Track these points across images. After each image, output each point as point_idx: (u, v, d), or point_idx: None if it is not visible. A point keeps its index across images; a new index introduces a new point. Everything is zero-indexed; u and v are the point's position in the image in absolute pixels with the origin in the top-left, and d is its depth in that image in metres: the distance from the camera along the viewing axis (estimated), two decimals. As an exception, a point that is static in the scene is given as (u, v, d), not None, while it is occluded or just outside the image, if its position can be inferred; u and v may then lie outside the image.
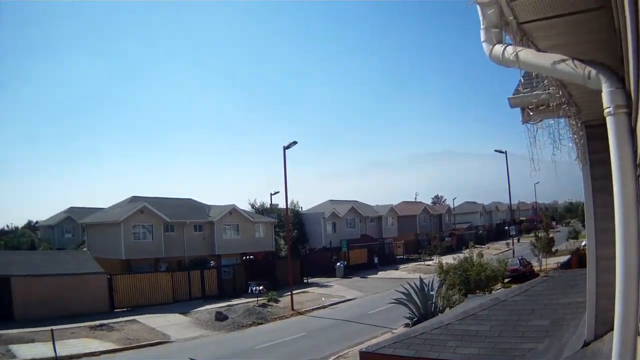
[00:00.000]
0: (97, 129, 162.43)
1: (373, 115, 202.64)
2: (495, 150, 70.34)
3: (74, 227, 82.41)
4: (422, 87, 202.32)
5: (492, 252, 69.47)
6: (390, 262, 76.04)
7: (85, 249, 60.83)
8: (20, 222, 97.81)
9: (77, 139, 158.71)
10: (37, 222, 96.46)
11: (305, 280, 59.95)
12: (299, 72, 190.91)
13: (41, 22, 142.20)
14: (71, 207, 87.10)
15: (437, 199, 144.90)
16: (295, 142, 47.71)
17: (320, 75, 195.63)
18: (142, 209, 54.76)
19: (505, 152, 69.00)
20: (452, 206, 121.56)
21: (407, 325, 30.42)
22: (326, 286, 57.23)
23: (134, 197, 60.61)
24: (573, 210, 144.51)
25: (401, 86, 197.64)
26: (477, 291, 34.91)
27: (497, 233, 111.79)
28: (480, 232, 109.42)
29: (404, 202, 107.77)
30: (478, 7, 4.29)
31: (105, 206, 68.22)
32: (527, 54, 4.24)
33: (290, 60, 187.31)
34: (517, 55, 4.23)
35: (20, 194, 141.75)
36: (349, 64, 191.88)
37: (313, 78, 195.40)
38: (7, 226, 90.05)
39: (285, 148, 47.53)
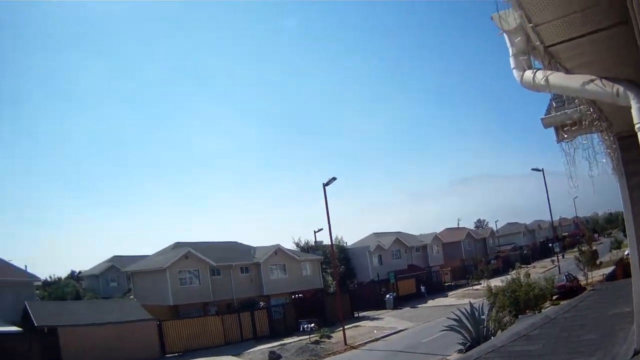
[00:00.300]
0: (134, 176, 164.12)
1: (408, 143, 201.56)
2: (532, 169, 69.81)
3: (118, 275, 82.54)
4: (455, 115, 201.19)
5: (539, 271, 68.35)
6: (439, 289, 75.14)
7: (131, 297, 61.40)
8: (63, 273, 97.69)
9: (114, 188, 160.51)
10: (80, 272, 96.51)
11: (355, 315, 59.35)
12: (334, 100, 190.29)
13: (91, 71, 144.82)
14: (114, 256, 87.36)
15: (480, 223, 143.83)
16: (334, 178, 47.39)
17: (356, 103, 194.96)
18: (187, 255, 54.83)
19: (542, 170, 68.50)
20: (495, 229, 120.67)
21: (460, 351, 30.14)
22: (377, 319, 56.75)
23: (177, 243, 60.96)
24: (613, 221, 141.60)
25: (433, 113, 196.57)
26: (527, 311, 34.43)
27: (541, 251, 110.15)
28: (525, 251, 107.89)
29: (447, 229, 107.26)
30: (505, 36, 4.39)
31: (149, 253, 68.54)
32: (557, 78, 4.31)
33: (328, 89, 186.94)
34: (547, 80, 4.30)
35: (61, 244, 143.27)
36: (383, 91, 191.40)
37: (350, 106, 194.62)
38: (50, 277, 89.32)
39: (325, 185, 47.27)
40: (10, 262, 51.45)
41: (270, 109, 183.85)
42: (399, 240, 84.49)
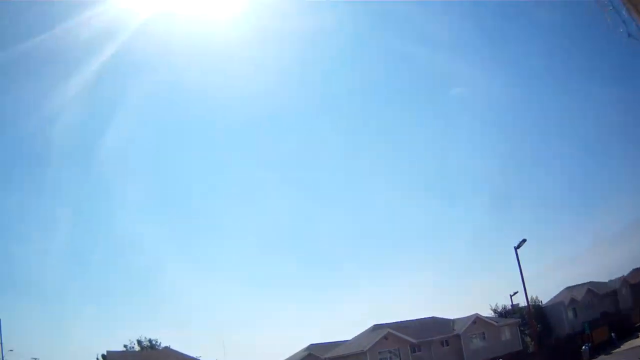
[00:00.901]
0: (322, 265, 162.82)
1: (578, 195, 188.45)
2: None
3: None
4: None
5: None
6: (630, 332, 72.01)
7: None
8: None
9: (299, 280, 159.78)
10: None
11: (554, 369, 58.89)
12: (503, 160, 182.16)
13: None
14: (311, 344, 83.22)
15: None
16: (524, 240, 44.85)
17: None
18: (387, 336, 56.34)
19: None
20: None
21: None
22: (575, 371, 56.21)
23: (375, 325, 61.94)
24: None
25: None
26: None
27: None
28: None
29: (634, 269, 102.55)
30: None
31: (343, 338, 70.66)
32: None
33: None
34: None
35: (252, 336, 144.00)
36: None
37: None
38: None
39: (516, 248, 44.93)
40: (199, 358, 54.88)
41: (446, 177, 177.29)
42: (590, 290, 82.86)
